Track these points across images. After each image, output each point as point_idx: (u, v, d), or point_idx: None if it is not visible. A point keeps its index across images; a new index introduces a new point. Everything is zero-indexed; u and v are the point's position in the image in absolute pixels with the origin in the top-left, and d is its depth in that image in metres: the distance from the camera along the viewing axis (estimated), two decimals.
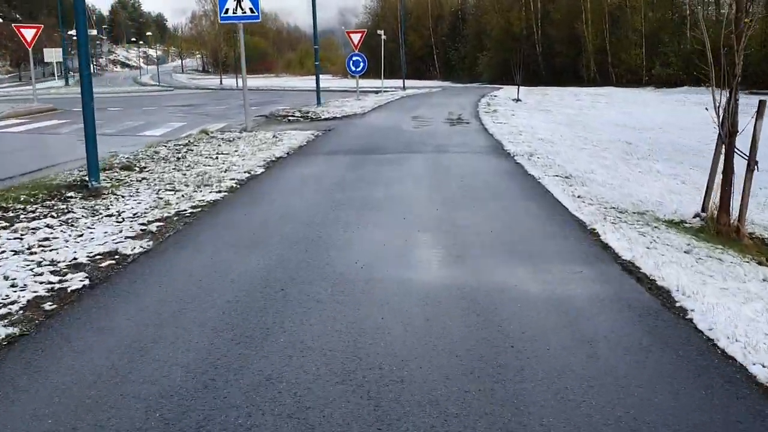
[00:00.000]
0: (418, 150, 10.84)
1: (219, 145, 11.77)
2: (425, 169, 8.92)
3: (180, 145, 11.95)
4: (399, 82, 42.77)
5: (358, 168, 9.02)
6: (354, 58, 25.83)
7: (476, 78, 56.19)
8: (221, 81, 70.74)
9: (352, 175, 8.47)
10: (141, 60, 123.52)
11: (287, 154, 10.69)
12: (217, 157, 10.25)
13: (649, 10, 42.72)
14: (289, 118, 19.05)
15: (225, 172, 8.80)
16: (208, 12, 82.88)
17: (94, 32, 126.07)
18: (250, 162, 9.64)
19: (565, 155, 10.35)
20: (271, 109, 23.26)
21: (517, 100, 24.35)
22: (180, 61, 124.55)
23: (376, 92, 32.12)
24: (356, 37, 25.85)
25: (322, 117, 19.09)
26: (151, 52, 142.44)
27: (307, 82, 59.44)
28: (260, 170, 8.97)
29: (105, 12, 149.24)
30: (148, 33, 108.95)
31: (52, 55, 72.78)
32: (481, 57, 56.05)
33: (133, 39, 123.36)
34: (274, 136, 13.19)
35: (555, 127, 15.39)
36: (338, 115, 19.39)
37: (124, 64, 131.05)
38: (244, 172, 8.70)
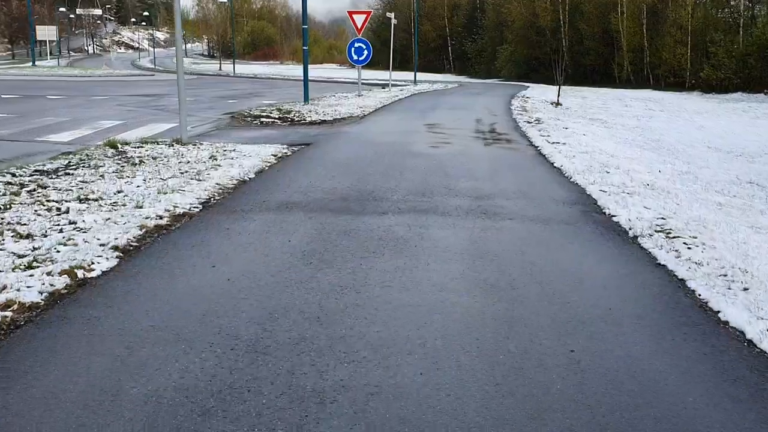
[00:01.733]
0: (441, 205, 5.97)
1: (102, 177, 6.91)
2: (463, 279, 4.02)
3: (38, 172, 7.12)
4: (410, 75, 37.83)
5: (325, 262, 4.18)
6: (356, 45, 20.98)
7: (495, 74, 51.14)
8: (220, 66, 66.48)
9: (301, 297, 3.62)
10: (146, 42, 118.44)
11: (203, 204, 5.85)
12: (59, 211, 5.40)
13: (696, 4, 37.53)
14: (262, 119, 14.22)
15: (13, 270, 3.97)
16: None
17: (99, 12, 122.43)
18: (112, 231, 4.79)
19: (717, 229, 5.48)
20: (247, 105, 18.46)
21: (557, 104, 19.46)
22: (184, 44, 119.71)
23: (383, 86, 27.22)
24: (360, 19, 20.97)
25: (306, 120, 14.26)
26: (159, 34, 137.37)
27: (315, 71, 54.18)
28: (104, 265, 4.10)
29: None
30: (145, 13, 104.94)
31: (45, 33, 68.23)
32: (501, 51, 50.92)
33: (134, 20, 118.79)
34: (211, 157, 8.35)
35: (637, 154, 10.48)
36: (328, 118, 14.57)
37: (128, 46, 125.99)
38: (44, 287, 3.85)
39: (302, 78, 17.81)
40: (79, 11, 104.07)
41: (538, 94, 24.87)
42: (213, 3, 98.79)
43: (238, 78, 43.39)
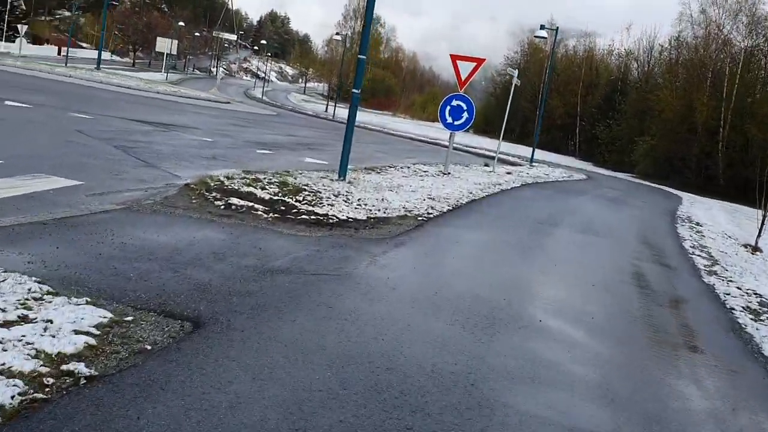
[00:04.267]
0: None
1: None
2: None
3: None
4: (526, 151, 30.94)
5: None
6: (454, 103, 14.51)
7: (627, 167, 43.22)
8: (326, 108, 62.49)
9: None
10: (273, 73, 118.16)
11: None
12: None
13: None
14: (234, 200, 7.71)
15: None
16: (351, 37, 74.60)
17: (233, 37, 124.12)
18: None
19: None
20: (277, 163, 12.32)
21: (756, 249, 11.92)
22: (305, 82, 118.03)
23: (486, 164, 20.44)
24: (466, 68, 14.47)
25: (315, 214, 7.70)
26: (288, 69, 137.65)
27: (420, 128, 47.98)
28: None
29: (255, 21, 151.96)
30: (262, 41, 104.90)
31: (165, 45, 66.10)
32: (640, 143, 43.03)
33: (256, 47, 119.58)
34: None
35: None
36: (359, 216, 7.98)
37: (254, 74, 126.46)
38: None
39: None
40: (215, 33, 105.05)
41: (705, 215, 17.22)
42: (342, 45, 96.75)
43: (332, 122, 37.92)
